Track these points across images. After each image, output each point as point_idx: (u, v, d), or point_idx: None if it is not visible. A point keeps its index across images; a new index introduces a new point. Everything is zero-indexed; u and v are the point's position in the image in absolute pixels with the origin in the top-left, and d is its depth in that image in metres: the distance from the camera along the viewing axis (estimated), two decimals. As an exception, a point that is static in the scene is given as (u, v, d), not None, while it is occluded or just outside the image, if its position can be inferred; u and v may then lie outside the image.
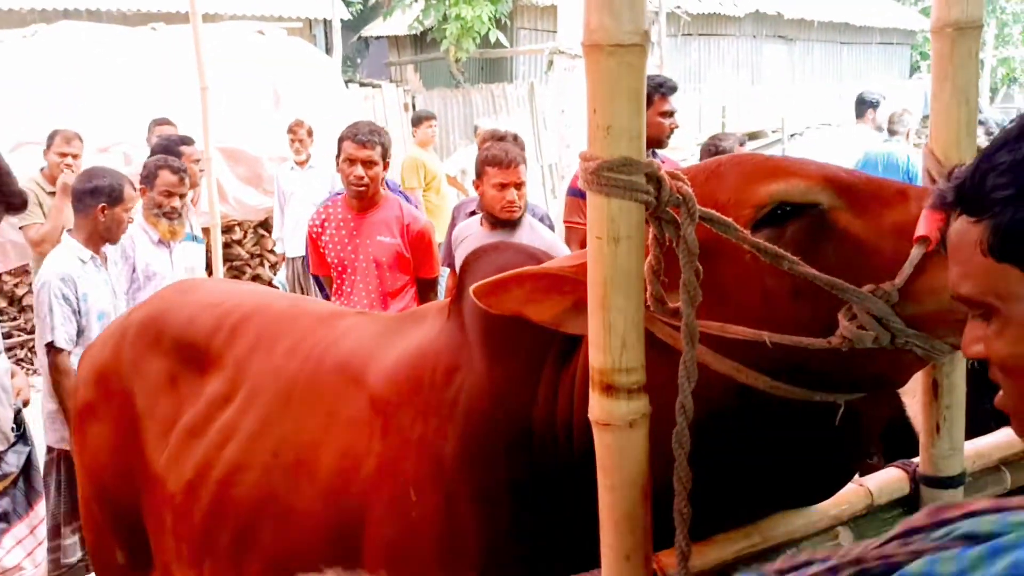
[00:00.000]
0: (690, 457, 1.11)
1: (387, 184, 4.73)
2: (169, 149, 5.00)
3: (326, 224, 4.01)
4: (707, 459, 1.17)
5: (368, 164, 3.80)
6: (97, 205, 3.58)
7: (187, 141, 5.26)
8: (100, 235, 3.62)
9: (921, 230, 1.11)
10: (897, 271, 1.09)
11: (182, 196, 4.16)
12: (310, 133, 7.01)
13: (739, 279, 1.16)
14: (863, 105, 7.46)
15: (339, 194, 4.65)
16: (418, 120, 8.11)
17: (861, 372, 1.14)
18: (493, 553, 1.36)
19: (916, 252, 1.09)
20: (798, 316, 1.13)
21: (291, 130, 7.04)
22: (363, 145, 3.77)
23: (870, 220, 1.15)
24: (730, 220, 1.09)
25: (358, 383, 1.60)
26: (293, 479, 1.61)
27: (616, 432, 1.09)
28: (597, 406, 1.10)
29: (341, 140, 3.86)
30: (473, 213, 4.35)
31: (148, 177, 4.15)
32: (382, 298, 3.91)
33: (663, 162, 4.58)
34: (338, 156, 3.88)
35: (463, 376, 1.43)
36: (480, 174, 3.82)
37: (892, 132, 6.98)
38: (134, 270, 4.01)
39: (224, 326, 1.94)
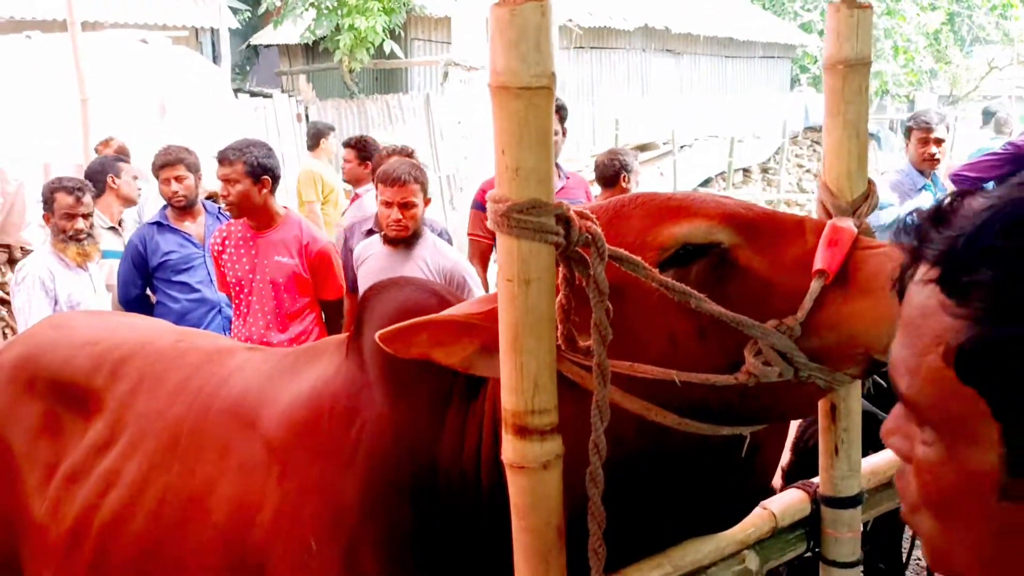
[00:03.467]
0: (603, 494, 1.10)
1: (203, 205, 4.64)
2: (105, 167, 4.78)
3: (226, 243, 3.90)
4: (620, 494, 1.17)
5: (230, 182, 3.76)
6: None
7: (123, 156, 5.00)
8: None
9: (819, 263, 1.14)
10: (798, 305, 1.12)
11: (86, 216, 3.97)
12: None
13: (646, 319, 1.16)
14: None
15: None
16: (323, 133, 7.92)
17: (766, 405, 1.16)
18: None
19: (815, 286, 1.12)
20: (705, 354, 1.14)
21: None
22: (222, 162, 3.79)
23: (770, 256, 1.17)
24: (639, 259, 1.10)
25: (251, 425, 1.52)
26: (182, 529, 1.52)
27: (530, 474, 1.08)
28: (510, 448, 1.08)
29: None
30: (371, 232, 4.28)
31: (47, 203, 3.95)
32: (280, 320, 3.81)
33: (568, 177, 4.60)
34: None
35: (363, 417, 1.38)
36: (377, 189, 3.79)
37: (999, 131, 8.32)
38: (56, 302, 3.79)
39: (104, 365, 1.83)
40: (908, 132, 4.87)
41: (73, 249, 3.91)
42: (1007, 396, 0.60)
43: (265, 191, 3.81)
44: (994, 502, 0.62)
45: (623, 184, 4.82)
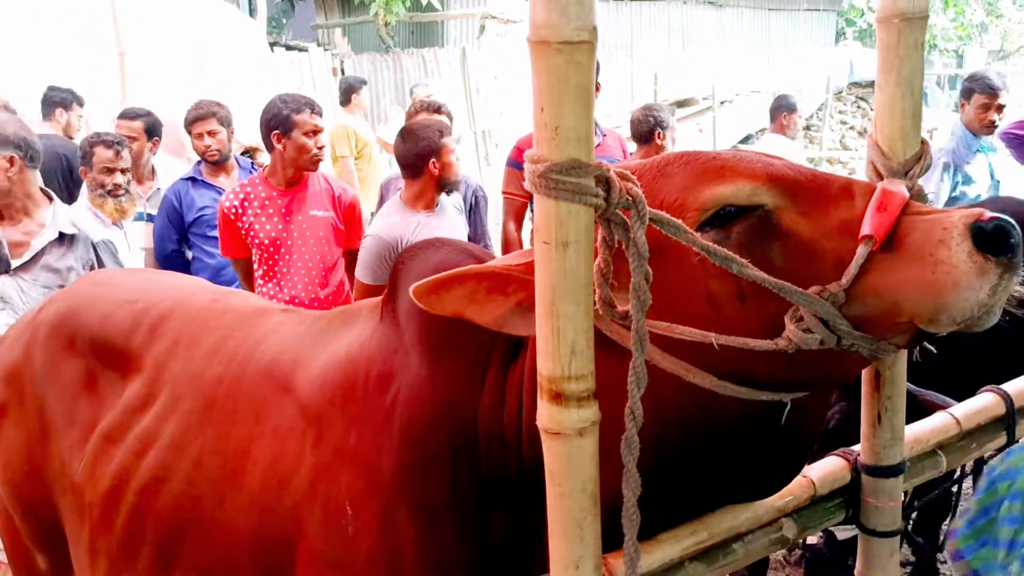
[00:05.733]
0: (640, 460, 1.08)
1: (236, 160, 4.60)
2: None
3: (247, 204, 3.79)
4: (657, 460, 1.15)
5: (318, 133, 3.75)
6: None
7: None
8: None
9: (866, 229, 1.09)
10: (843, 271, 1.08)
11: (124, 171, 3.98)
12: None
13: (685, 280, 1.13)
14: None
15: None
16: (354, 88, 7.88)
17: (807, 372, 1.13)
18: (436, 564, 1.32)
19: (862, 251, 1.08)
20: (744, 318, 1.11)
21: None
22: (321, 115, 3.76)
23: (815, 219, 1.13)
24: (680, 222, 1.06)
25: (286, 389, 1.52)
26: (218, 491, 1.53)
27: (565, 441, 1.06)
28: (546, 414, 1.06)
29: (293, 115, 3.69)
30: None
31: (85, 157, 3.96)
32: (323, 273, 3.80)
33: (604, 135, 4.53)
34: (290, 130, 3.71)
35: (400, 381, 1.37)
36: (439, 150, 3.66)
37: None
38: None
39: (142, 325, 1.83)
40: (968, 93, 4.66)
41: (111, 204, 3.94)
42: None
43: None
44: None
45: (658, 141, 4.76)
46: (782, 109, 6.58)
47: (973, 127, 4.59)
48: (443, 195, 3.77)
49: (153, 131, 4.75)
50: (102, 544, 1.70)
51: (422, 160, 3.65)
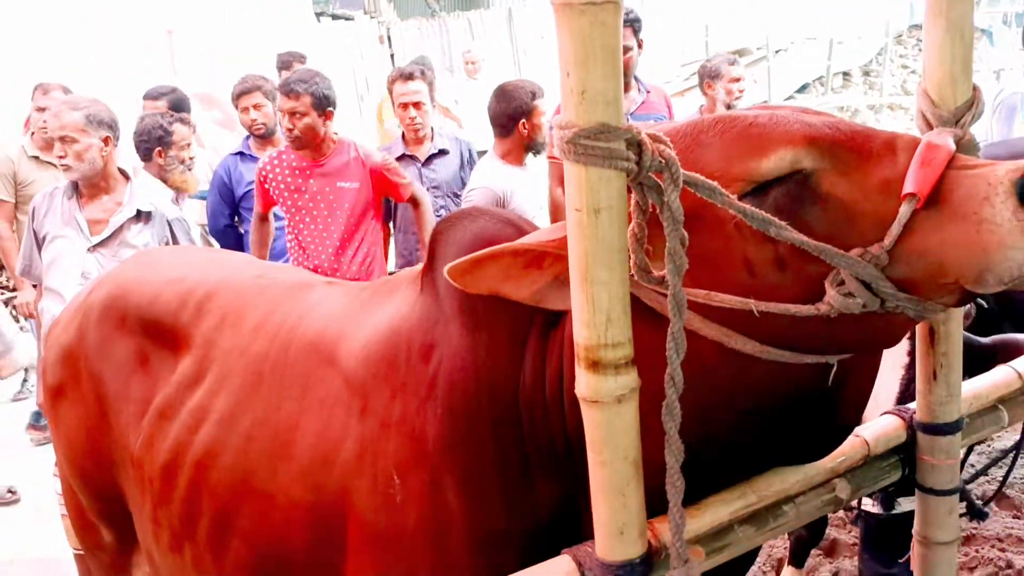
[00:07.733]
0: (683, 425, 1.07)
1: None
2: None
3: (277, 171, 3.86)
4: (702, 426, 1.14)
5: (297, 115, 3.72)
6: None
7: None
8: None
9: (909, 186, 1.05)
10: (886, 232, 1.04)
11: (189, 145, 4.11)
12: None
13: (722, 248, 1.10)
14: None
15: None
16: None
17: (852, 334, 1.10)
18: (483, 533, 1.33)
19: (905, 210, 1.04)
20: (783, 284, 1.08)
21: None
22: (288, 95, 3.71)
23: (855, 179, 1.09)
24: (715, 184, 1.03)
25: (331, 362, 1.53)
26: (269, 463, 1.56)
27: (604, 408, 1.05)
28: (584, 383, 1.05)
29: (279, 92, 3.78)
30: (405, 156, 4.34)
31: (164, 137, 4.05)
32: (346, 244, 3.83)
33: (648, 92, 4.49)
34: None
35: (441, 352, 1.37)
36: (530, 112, 3.83)
37: None
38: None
39: (189, 303, 1.87)
40: None
41: (190, 179, 4.07)
42: None
43: (328, 123, 3.81)
44: None
45: (707, 91, 5.08)
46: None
47: None
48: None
49: (178, 108, 4.83)
50: (163, 516, 1.76)
51: (513, 120, 3.83)
